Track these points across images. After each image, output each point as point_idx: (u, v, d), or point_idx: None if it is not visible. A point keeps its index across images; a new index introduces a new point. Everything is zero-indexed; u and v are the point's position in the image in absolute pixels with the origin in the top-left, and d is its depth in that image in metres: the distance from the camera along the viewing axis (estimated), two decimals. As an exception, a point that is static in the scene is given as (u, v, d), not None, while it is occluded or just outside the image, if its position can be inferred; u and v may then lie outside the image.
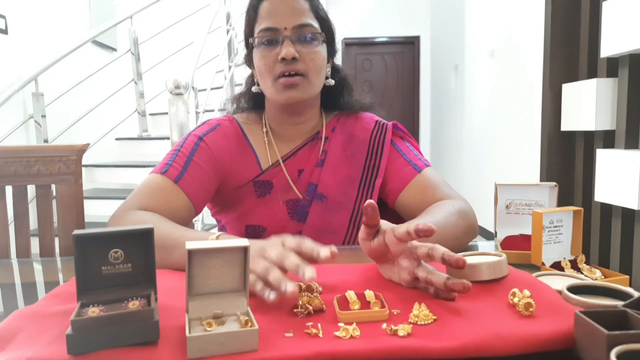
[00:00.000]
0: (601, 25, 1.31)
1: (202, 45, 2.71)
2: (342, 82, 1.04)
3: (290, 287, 0.52)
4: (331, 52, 1.00)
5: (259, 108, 1.05)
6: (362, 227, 0.63)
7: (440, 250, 0.57)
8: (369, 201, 0.59)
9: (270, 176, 0.98)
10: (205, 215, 2.86)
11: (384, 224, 0.63)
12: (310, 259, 0.60)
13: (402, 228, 0.59)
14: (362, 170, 1.00)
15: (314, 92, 0.97)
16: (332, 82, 1.00)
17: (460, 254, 0.68)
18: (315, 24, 0.93)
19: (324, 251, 0.60)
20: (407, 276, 0.61)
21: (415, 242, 0.60)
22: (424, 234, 0.56)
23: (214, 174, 0.95)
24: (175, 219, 0.84)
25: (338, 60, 1.06)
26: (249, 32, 0.96)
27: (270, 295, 0.54)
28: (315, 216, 0.96)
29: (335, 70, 1.03)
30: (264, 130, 1.01)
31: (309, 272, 0.55)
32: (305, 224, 0.96)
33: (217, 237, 0.71)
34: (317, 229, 0.97)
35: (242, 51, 3.52)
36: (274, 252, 0.60)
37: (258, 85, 0.98)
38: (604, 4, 1.29)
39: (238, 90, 1.11)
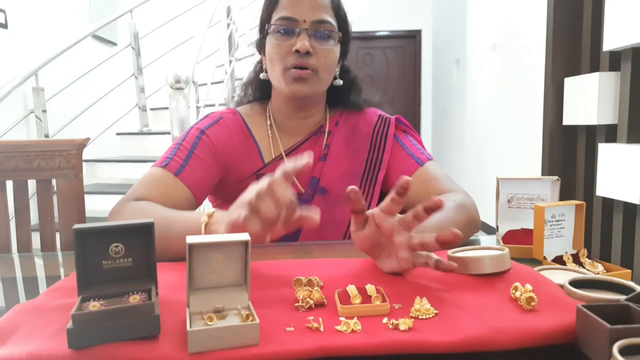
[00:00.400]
0: (604, 18, 1.30)
1: (203, 39, 2.70)
2: (350, 82, 1.04)
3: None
4: (344, 53, 1.01)
5: (265, 98, 1.05)
6: (352, 219, 0.63)
7: (420, 206, 0.57)
8: (351, 187, 0.59)
9: (272, 169, 0.98)
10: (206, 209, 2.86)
11: (369, 211, 0.63)
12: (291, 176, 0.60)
13: (385, 201, 0.59)
14: (365, 164, 1.00)
15: (322, 89, 0.97)
16: (340, 82, 1.00)
17: (462, 248, 0.68)
18: (334, 22, 0.93)
19: (302, 160, 0.59)
20: (406, 253, 0.60)
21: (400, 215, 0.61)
22: (436, 206, 0.56)
23: (216, 167, 0.95)
24: (176, 208, 0.84)
25: None
26: (266, 18, 0.96)
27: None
28: None
29: (344, 71, 1.03)
30: (268, 123, 1.01)
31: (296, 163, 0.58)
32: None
33: (212, 214, 0.71)
34: (319, 222, 0.96)
35: (242, 45, 3.52)
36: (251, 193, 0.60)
37: (266, 72, 0.98)
38: (606, -4, 1.28)
39: (239, 83, 1.11)
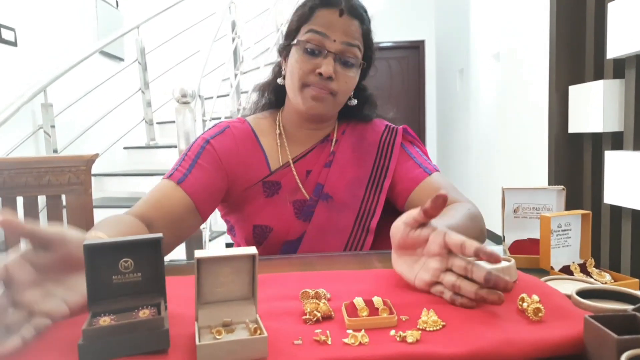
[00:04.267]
0: (607, 26, 1.31)
1: (208, 53, 2.73)
2: (365, 100, 1.06)
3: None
4: (363, 77, 1.03)
5: (278, 105, 1.07)
6: (414, 214, 0.62)
7: (482, 269, 0.55)
8: (441, 192, 0.58)
9: (279, 177, 0.99)
10: (213, 223, 2.87)
11: (436, 222, 0.63)
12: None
13: (457, 239, 0.58)
14: (371, 171, 1.01)
15: (337, 110, 1.00)
16: (354, 102, 1.02)
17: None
18: (361, 48, 0.95)
19: None
20: (429, 278, 0.60)
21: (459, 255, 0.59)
22: (487, 258, 0.54)
23: (220, 175, 0.96)
24: (174, 218, 0.87)
25: None
26: (295, 28, 0.96)
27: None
28: (320, 216, 0.97)
29: (361, 90, 1.05)
30: (277, 132, 1.03)
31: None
32: (310, 223, 0.97)
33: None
34: (322, 229, 0.97)
35: (247, 59, 3.55)
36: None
37: (284, 78, 0.99)
38: (609, 4, 1.28)
39: (245, 97, 1.12)
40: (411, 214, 0.62)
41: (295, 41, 0.95)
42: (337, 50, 0.91)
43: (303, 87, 0.93)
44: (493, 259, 0.54)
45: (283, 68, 1.00)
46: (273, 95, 1.07)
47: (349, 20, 0.92)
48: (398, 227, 0.64)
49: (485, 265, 0.62)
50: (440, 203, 0.58)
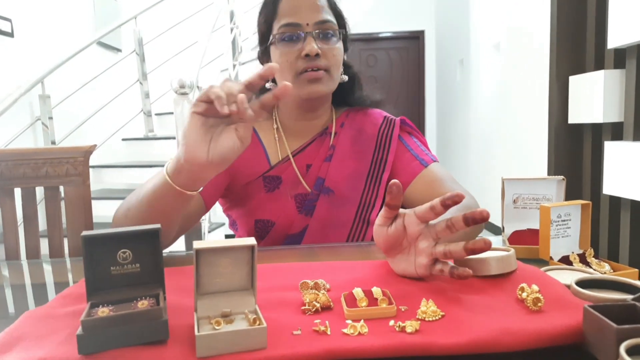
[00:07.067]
0: (608, 16, 1.30)
1: (206, 44, 2.72)
2: (353, 78, 1.05)
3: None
4: (345, 49, 1.01)
5: None
6: (382, 212, 0.63)
7: (459, 215, 0.57)
8: (394, 181, 0.59)
9: (279, 171, 0.99)
10: (212, 215, 2.87)
11: (402, 209, 0.63)
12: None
13: (423, 206, 0.59)
14: (370, 164, 1.01)
15: (334, 87, 0.98)
16: (345, 78, 1.01)
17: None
18: (334, 20, 0.95)
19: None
20: (425, 259, 0.60)
21: (432, 221, 0.61)
22: (452, 202, 0.56)
23: (223, 170, 0.95)
24: (184, 212, 0.85)
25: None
26: (266, 29, 0.96)
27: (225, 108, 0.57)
28: (322, 210, 0.97)
29: (346, 67, 1.04)
30: (275, 126, 1.02)
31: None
32: (312, 217, 0.97)
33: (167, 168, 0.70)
34: (324, 222, 0.97)
35: (246, 49, 3.53)
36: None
37: (272, 81, 0.98)
38: (610, -6, 1.27)
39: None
40: (380, 214, 0.64)
41: (271, 39, 0.95)
42: (313, 29, 0.91)
43: (296, 76, 0.92)
44: (457, 197, 0.55)
45: None
46: None
47: None
48: (377, 232, 0.64)
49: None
50: (396, 191, 0.59)
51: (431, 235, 0.60)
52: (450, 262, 0.59)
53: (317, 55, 0.90)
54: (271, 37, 0.95)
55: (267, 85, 1.00)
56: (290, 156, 0.99)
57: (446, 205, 0.57)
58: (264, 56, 1.00)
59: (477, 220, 0.55)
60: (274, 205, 0.98)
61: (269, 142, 1.01)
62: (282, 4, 0.93)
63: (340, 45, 0.96)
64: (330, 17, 0.94)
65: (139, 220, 0.74)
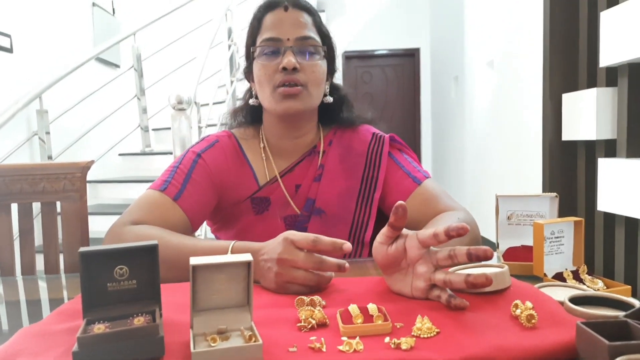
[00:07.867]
0: (599, 35, 1.32)
1: (204, 60, 2.74)
2: (341, 100, 1.05)
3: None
4: (331, 70, 1.01)
5: (257, 122, 1.05)
6: (384, 230, 0.63)
7: (463, 248, 0.57)
8: (399, 202, 0.60)
9: (267, 192, 0.98)
10: (207, 230, 2.86)
11: (405, 230, 0.63)
12: (329, 252, 0.66)
13: (427, 231, 0.59)
14: (360, 182, 0.99)
15: (312, 105, 0.97)
16: (330, 99, 1.00)
17: (462, 266, 0.68)
18: (317, 38, 0.95)
19: (347, 244, 0.65)
20: (423, 283, 0.60)
21: (434, 247, 0.61)
22: (457, 234, 0.56)
23: (212, 191, 0.95)
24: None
25: (339, 74, 1.07)
26: (250, 43, 0.97)
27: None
28: (314, 231, 0.95)
29: (334, 89, 1.04)
30: (261, 145, 1.01)
31: (345, 245, 0.65)
32: None
33: (233, 246, 0.74)
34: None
35: (243, 66, 3.56)
36: (298, 257, 0.65)
37: (256, 97, 0.98)
38: (601, 13, 1.30)
39: (239, 104, 1.12)
40: (382, 232, 0.64)
41: (253, 53, 0.96)
42: (293, 44, 0.92)
43: (273, 90, 0.92)
44: (462, 230, 0.56)
45: (253, 89, 1.00)
46: (249, 116, 1.05)
47: (296, 12, 0.93)
48: (376, 249, 0.65)
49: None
50: (401, 212, 0.60)
51: (431, 261, 0.60)
52: (448, 290, 0.59)
53: (295, 69, 0.90)
54: (252, 50, 0.96)
55: (251, 101, 1.00)
56: (278, 176, 0.98)
57: (450, 236, 0.57)
58: (249, 72, 1.00)
59: (481, 259, 0.56)
60: (263, 227, 0.97)
61: (256, 163, 1.00)
62: (265, 20, 0.94)
63: (322, 62, 0.95)
64: (313, 34, 0.94)
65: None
